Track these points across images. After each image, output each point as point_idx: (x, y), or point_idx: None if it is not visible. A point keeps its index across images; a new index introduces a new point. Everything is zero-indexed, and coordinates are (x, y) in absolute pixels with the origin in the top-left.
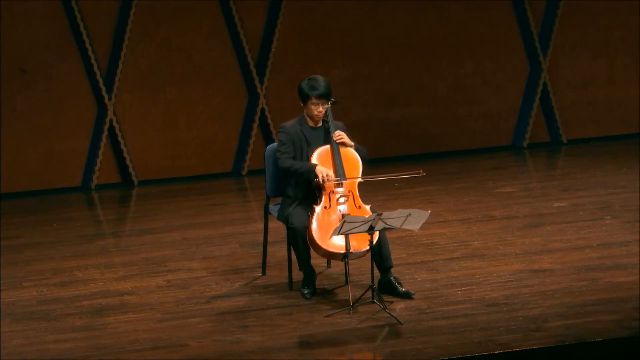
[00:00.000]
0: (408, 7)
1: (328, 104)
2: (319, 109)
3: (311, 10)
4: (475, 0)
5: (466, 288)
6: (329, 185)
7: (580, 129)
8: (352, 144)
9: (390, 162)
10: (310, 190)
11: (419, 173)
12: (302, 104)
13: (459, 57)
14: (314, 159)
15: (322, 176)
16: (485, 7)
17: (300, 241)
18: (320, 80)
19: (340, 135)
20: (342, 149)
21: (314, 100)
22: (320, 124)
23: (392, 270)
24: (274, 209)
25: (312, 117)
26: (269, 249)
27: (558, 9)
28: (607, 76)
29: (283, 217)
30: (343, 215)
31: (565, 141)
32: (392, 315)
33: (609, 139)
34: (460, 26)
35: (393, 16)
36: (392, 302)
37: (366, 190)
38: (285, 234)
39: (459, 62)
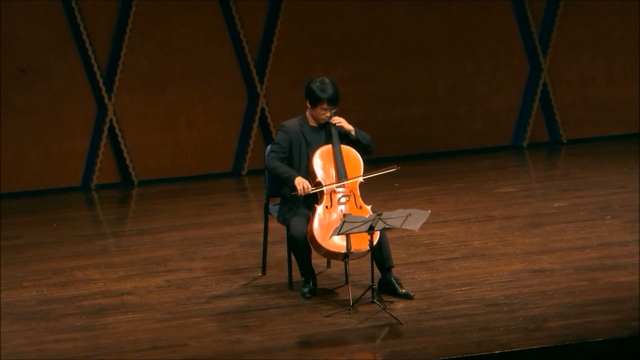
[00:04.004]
0: (408, 7)
1: (335, 108)
2: (327, 114)
3: (311, 10)
4: (475, 0)
5: (466, 288)
6: (321, 193)
7: (580, 129)
8: (352, 128)
9: (391, 162)
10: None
11: (393, 169)
12: (308, 105)
13: (459, 57)
14: (315, 159)
15: (300, 188)
16: (485, 7)
17: (300, 250)
18: (331, 84)
19: (339, 120)
20: (344, 149)
21: (325, 105)
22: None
23: (393, 270)
24: (274, 209)
25: (317, 119)
26: (269, 249)
27: (558, 9)
28: (607, 76)
29: (283, 219)
30: (344, 215)
31: (565, 141)
32: (392, 315)
33: (609, 139)
34: (460, 26)
35: (393, 16)
36: (392, 302)
37: (367, 190)
38: (286, 235)
39: (459, 62)
